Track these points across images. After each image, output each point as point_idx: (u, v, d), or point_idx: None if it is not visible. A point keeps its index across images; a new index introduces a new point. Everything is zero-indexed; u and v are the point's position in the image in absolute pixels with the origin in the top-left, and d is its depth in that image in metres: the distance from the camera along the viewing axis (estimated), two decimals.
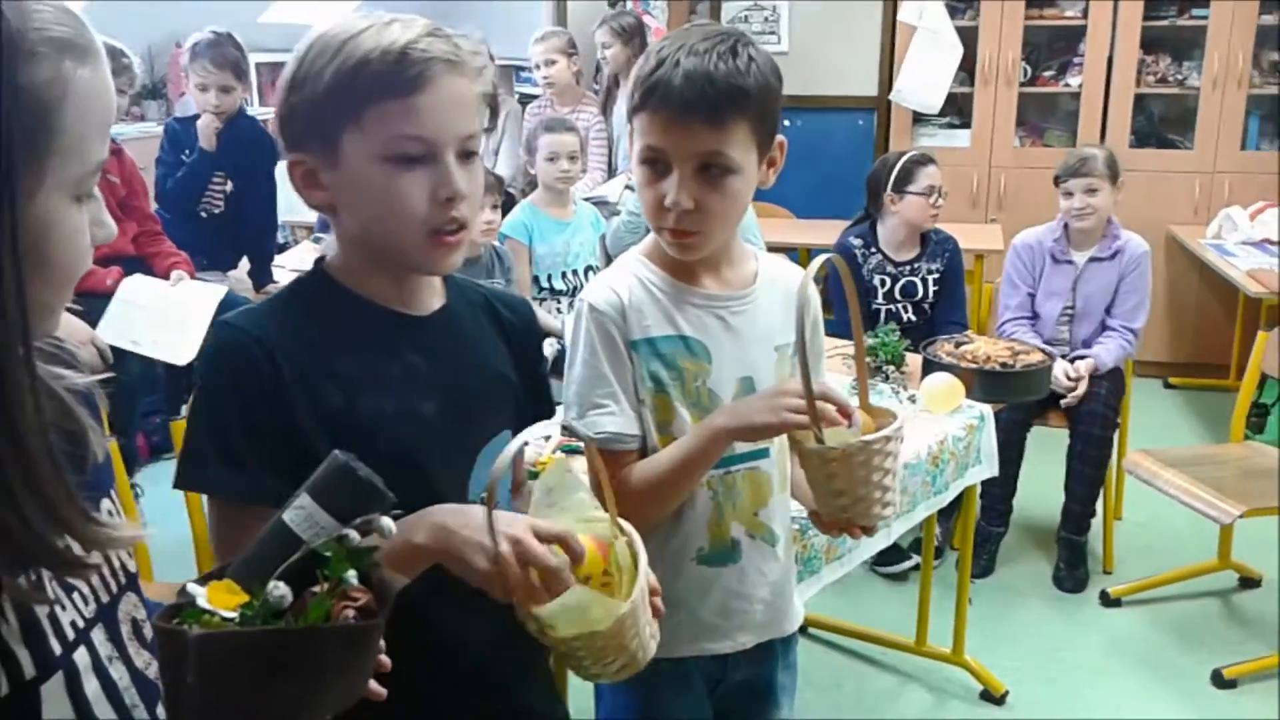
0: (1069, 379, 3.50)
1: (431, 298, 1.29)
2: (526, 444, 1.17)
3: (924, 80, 5.24)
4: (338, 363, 1.20)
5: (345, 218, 1.22)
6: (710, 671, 1.62)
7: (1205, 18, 5.30)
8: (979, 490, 3.04)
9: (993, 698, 2.96)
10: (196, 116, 3.92)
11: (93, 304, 3.23)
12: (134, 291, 3.50)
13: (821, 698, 2.95)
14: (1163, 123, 5.70)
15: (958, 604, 3.02)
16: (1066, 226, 3.78)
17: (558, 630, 1.11)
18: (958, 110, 5.71)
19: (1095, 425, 3.54)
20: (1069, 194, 3.69)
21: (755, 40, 1.48)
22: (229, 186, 3.94)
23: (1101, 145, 4.22)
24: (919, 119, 5.69)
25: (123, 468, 2.41)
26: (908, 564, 3.52)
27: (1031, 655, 3.17)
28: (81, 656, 0.86)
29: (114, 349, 3.22)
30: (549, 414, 1.44)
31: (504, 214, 3.64)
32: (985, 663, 3.03)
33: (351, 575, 0.85)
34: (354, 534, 0.87)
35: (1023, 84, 5.58)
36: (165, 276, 3.62)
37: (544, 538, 1.10)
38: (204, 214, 3.96)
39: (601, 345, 1.48)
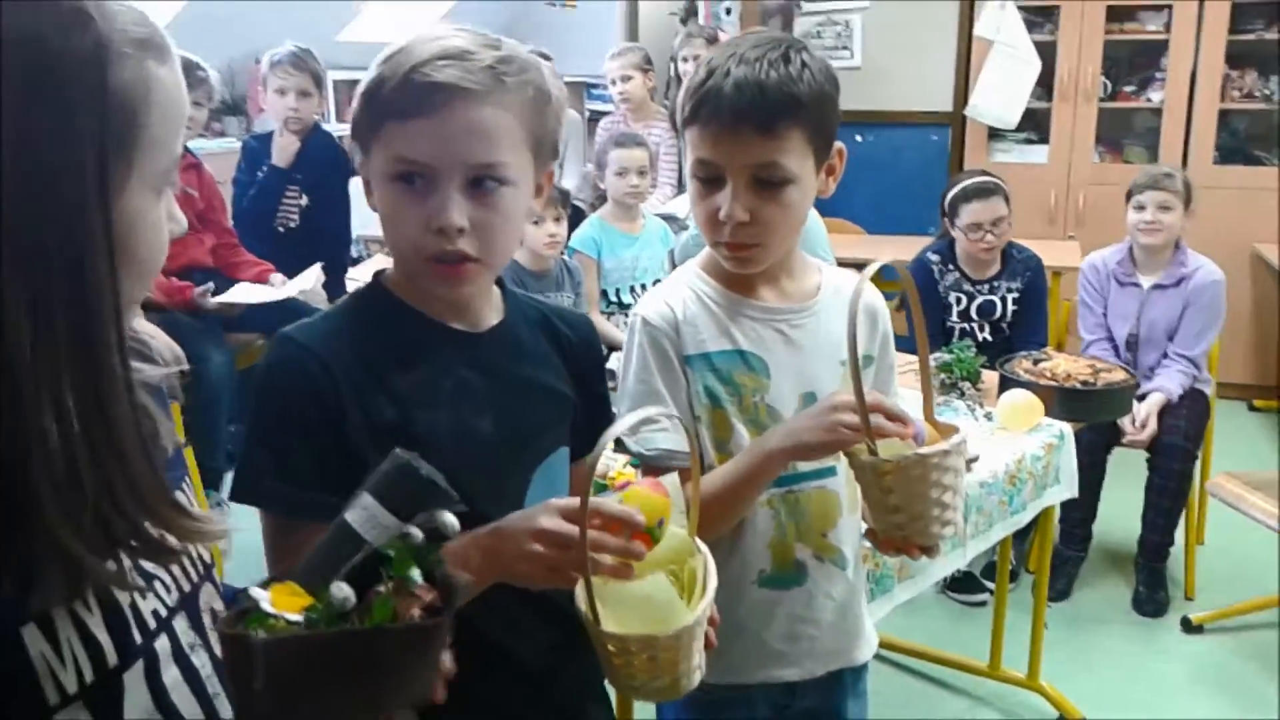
0: (1133, 424, 3.43)
1: (489, 313, 1.28)
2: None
3: (1000, 95, 5.18)
4: (393, 378, 1.19)
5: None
6: (775, 699, 1.57)
7: None
8: (1057, 512, 2.96)
9: None
10: (273, 134, 3.98)
11: (170, 316, 3.27)
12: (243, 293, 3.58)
13: None
14: (1248, 139, 5.55)
15: (1034, 627, 2.95)
16: (1132, 249, 3.70)
17: (619, 624, 1.08)
18: (1035, 126, 5.62)
19: (1175, 459, 3.44)
20: (1141, 207, 3.61)
21: (814, 48, 1.43)
22: (304, 200, 3.98)
23: (1181, 169, 4.12)
24: (995, 134, 5.61)
25: (198, 480, 2.43)
26: (983, 595, 3.44)
27: (1110, 681, 3.07)
28: (162, 644, 0.86)
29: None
30: None
31: (571, 227, 3.64)
32: (1062, 689, 2.94)
33: (416, 574, 0.84)
34: (416, 532, 0.86)
35: (1102, 99, 5.48)
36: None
37: (603, 516, 1.07)
38: (280, 228, 4.00)
39: (654, 359, 1.45)
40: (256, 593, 0.82)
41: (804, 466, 1.47)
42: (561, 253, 3.61)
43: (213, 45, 4.45)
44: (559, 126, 1.26)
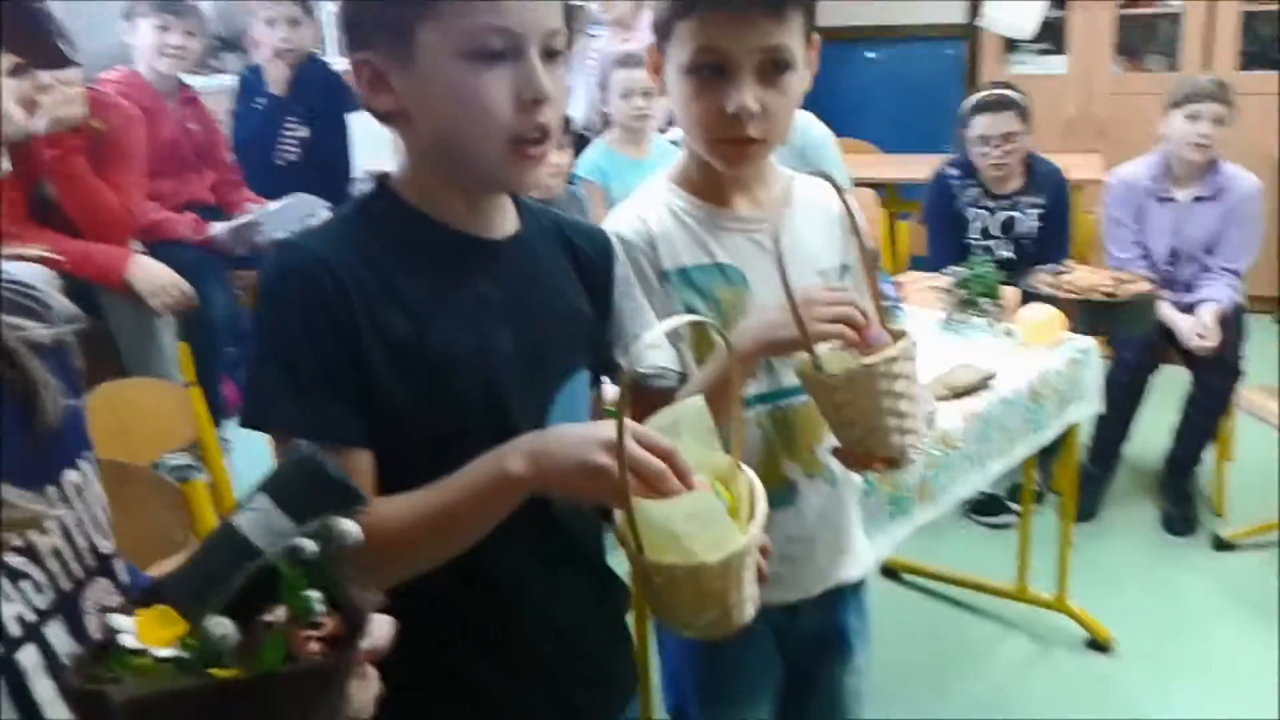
0: (1199, 335, 3.31)
1: (505, 221, 1.18)
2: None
3: (1015, 4, 5.01)
4: (407, 290, 1.08)
5: (417, 126, 1.10)
6: (777, 622, 1.52)
7: None
8: (1081, 430, 2.89)
9: (1099, 645, 2.83)
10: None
11: (170, 251, 3.21)
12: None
13: (917, 646, 2.84)
14: (1274, 42, 5.38)
15: (1060, 548, 2.89)
16: (1166, 162, 3.53)
17: (662, 554, 0.99)
18: (1052, 36, 5.46)
19: (1220, 374, 3.36)
20: (1195, 118, 3.40)
21: None
22: (303, 132, 3.89)
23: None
24: (1011, 46, 5.47)
25: (207, 420, 2.37)
26: (1008, 517, 3.38)
27: (1139, 602, 3.03)
28: (30, 656, 0.74)
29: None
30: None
31: (576, 156, 3.55)
32: (1090, 610, 2.90)
33: (315, 596, 0.69)
34: (309, 544, 0.71)
35: (1121, 5, 5.32)
36: None
37: (645, 445, 0.98)
38: (280, 162, 3.92)
39: (633, 276, 1.38)
40: (118, 621, 0.68)
41: (787, 382, 1.41)
42: (568, 181, 3.52)
43: None
44: None
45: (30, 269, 2.63)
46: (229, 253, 3.47)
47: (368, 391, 1.05)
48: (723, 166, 1.39)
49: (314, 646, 0.68)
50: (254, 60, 4.25)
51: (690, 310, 1.38)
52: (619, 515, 1.00)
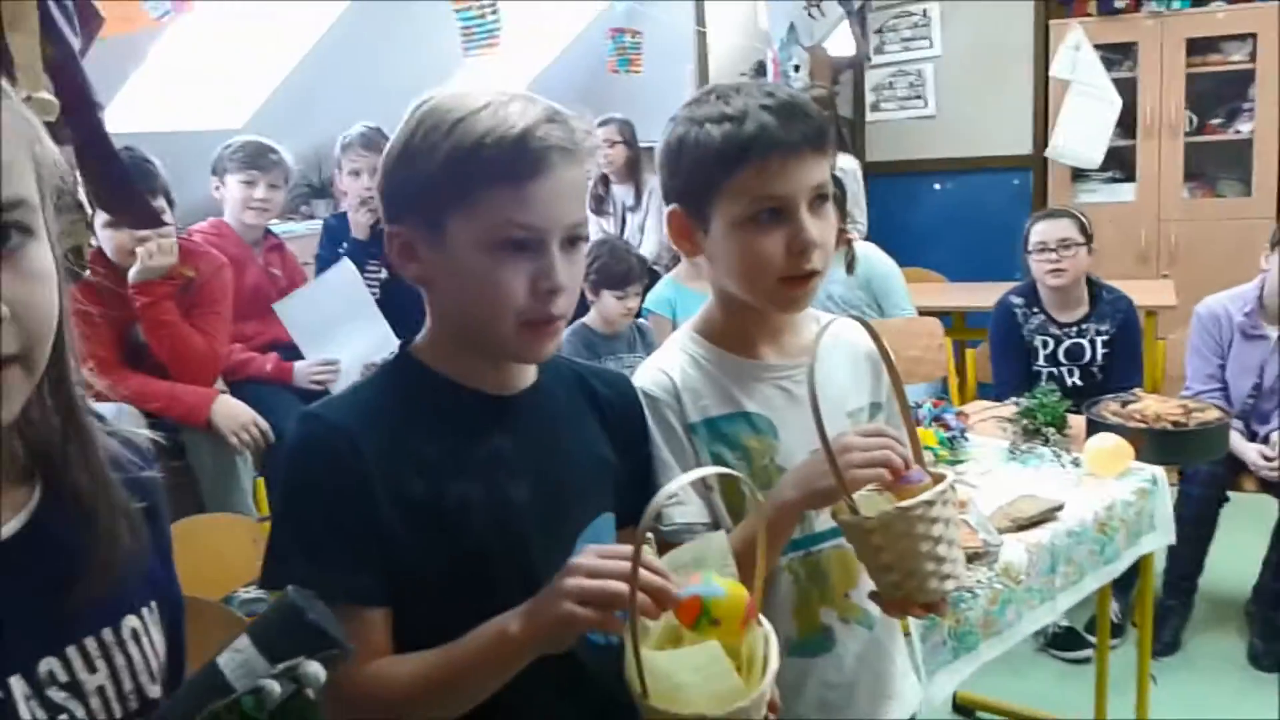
0: (1266, 460, 3.24)
1: (522, 376, 1.24)
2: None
3: (1082, 135, 5.07)
4: (424, 451, 1.14)
5: (439, 295, 1.18)
6: None
7: None
8: (1157, 561, 2.83)
9: None
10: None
11: (252, 389, 3.34)
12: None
13: None
14: None
15: (1139, 684, 2.80)
16: (1261, 298, 3.43)
17: (667, 699, 0.98)
18: (1120, 164, 5.49)
19: None
20: None
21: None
22: (383, 274, 4.05)
23: None
24: (1079, 175, 5.50)
25: None
26: (1086, 651, 3.29)
27: None
28: None
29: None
30: None
31: (646, 291, 3.65)
32: None
33: None
34: (273, 685, 0.73)
35: (1189, 133, 5.34)
36: None
37: (607, 555, 1.01)
38: None
39: (658, 431, 1.38)
40: None
41: (819, 527, 1.41)
42: (636, 316, 3.61)
43: (300, 130, 4.55)
44: None
45: (122, 410, 2.76)
46: (308, 388, 3.60)
47: (386, 552, 1.09)
48: (785, 308, 1.41)
49: None
50: (340, 208, 4.47)
51: (719, 461, 1.38)
52: (627, 662, 1.00)
